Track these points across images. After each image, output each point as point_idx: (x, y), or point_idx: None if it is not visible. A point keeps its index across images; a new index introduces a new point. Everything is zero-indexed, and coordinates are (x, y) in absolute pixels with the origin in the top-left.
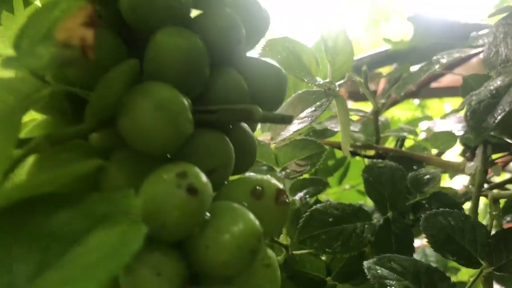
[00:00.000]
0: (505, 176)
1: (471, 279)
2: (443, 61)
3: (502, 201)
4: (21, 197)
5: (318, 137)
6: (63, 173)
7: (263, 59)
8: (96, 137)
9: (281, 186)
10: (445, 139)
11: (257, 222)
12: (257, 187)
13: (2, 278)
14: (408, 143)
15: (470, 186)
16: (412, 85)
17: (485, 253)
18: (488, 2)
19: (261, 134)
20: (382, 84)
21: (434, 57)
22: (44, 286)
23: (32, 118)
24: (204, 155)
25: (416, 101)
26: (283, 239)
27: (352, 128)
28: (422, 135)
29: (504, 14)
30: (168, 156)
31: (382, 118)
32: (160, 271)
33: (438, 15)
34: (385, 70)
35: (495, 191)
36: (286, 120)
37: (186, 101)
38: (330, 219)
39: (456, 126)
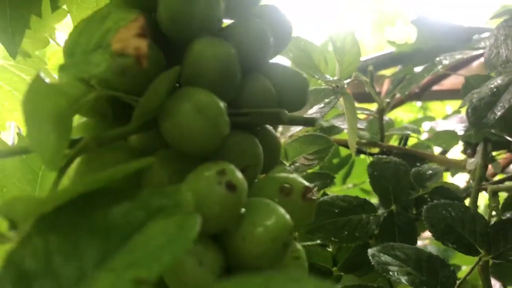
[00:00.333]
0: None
1: (470, 267)
2: (446, 62)
3: (501, 199)
4: (80, 192)
5: (325, 134)
6: (121, 170)
7: (287, 66)
8: (135, 139)
9: (307, 184)
10: (447, 138)
11: (288, 217)
12: (286, 185)
13: (73, 263)
14: (411, 141)
15: (471, 181)
16: (415, 87)
17: (484, 242)
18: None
19: None
20: (385, 85)
21: (437, 58)
22: (112, 269)
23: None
24: (237, 155)
25: (419, 103)
26: None
27: (358, 125)
28: (424, 136)
29: (505, 17)
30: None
31: (386, 117)
32: (202, 261)
33: (441, 19)
34: (387, 72)
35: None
36: (310, 122)
37: (223, 105)
38: (337, 210)
39: (458, 126)
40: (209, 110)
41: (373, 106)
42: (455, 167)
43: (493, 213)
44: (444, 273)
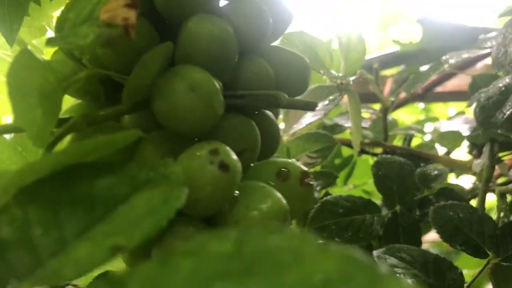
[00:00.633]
0: None
1: (478, 270)
2: (452, 61)
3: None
4: (67, 163)
5: (328, 133)
6: (105, 141)
7: (287, 49)
8: (128, 120)
9: (305, 168)
10: (452, 138)
11: (284, 201)
12: (283, 169)
13: (53, 234)
14: (415, 142)
15: (477, 182)
16: (419, 88)
17: (492, 244)
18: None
19: None
20: (388, 85)
21: (443, 57)
22: (91, 238)
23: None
24: (233, 138)
25: (421, 105)
26: None
27: (362, 124)
28: (427, 138)
29: None
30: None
31: (390, 117)
32: None
33: (446, 18)
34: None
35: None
36: (310, 106)
37: (217, 84)
38: (341, 210)
39: (463, 127)
40: (203, 88)
41: (377, 107)
42: (461, 168)
43: (501, 214)
44: (452, 275)
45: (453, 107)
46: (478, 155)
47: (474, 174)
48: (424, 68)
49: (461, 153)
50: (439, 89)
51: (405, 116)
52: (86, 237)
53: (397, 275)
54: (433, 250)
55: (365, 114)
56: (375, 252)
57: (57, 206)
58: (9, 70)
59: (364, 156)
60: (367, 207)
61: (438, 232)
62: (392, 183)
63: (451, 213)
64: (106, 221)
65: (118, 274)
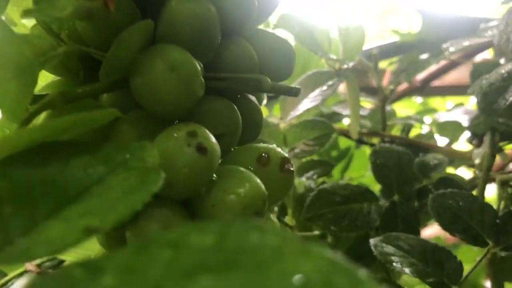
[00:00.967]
0: None
1: (478, 259)
2: (452, 49)
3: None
4: (41, 139)
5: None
6: (81, 118)
7: (273, 32)
8: (107, 98)
9: (286, 154)
10: (452, 129)
11: (262, 186)
12: (263, 154)
13: (25, 212)
14: (414, 133)
15: (477, 172)
16: (417, 80)
17: (492, 233)
18: None
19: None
20: (387, 77)
21: (443, 45)
22: (64, 218)
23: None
24: (212, 121)
25: (419, 99)
26: (289, 220)
27: (360, 112)
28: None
29: None
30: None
31: (388, 108)
32: (168, 226)
33: (446, 9)
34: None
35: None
36: (294, 91)
37: (198, 65)
38: (338, 199)
39: (463, 117)
40: (183, 68)
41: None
42: (461, 158)
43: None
44: (451, 265)
45: (451, 101)
46: (478, 145)
47: (474, 166)
48: (423, 57)
49: (460, 145)
50: (437, 83)
51: (403, 110)
52: (58, 217)
53: (394, 263)
54: None
55: (364, 103)
56: (371, 240)
57: (29, 184)
58: None
59: (361, 149)
60: (364, 196)
61: (437, 220)
62: (390, 172)
63: (450, 201)
64: (80, 201)
65: (94, 259)
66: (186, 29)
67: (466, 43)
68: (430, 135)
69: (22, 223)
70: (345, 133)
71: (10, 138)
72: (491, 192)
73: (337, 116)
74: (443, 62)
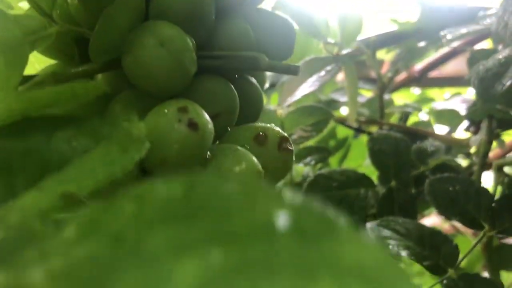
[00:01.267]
0: None
1: (474, 242)
2: (450, 37)
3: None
4: (23, 112)
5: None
6: (63, 90)
7: (273, 12)
8: (102, 80)
9: (284, 133)
10: (450, 117)
11: (258, 163)
12: (261, 133)
13: (2, 181)
14: (412, 121)
15: (474, 158)
16: (415, 70)
17: (488, 217)
18: None
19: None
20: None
21: (441, 33)
22: (42, 187)
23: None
24: (208, 99)
25: (417, 91)
26: None
27: (358, 99)
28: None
29: None
30: None
31: (386, 96)
32: None
33: None
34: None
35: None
36: (292, 70)
37: (190, 41)
38: (334, 184)
39: (461, 106)
40: (173, 43)
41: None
42: (458, 145)
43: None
44: (447, 248)
45: (449, 92)
46: (475, 132)
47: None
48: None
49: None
50: (435, 74)
51: (400, 101)
52: (38, 186)
53: (390, 246)
54: None
55: (362, 91)
56: (368, 224)
57: (9, 155)
58: None
59: (359, 139)
60: (361, 182)
61: (433, 205)
62: (387, 158)
63: (447, 185)
64: (61, 171)
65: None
66: (177, 5)
67: (464, 30)
68: (427, 123)
69: (1, 193)
70: (343, 121)
71: None
72: (487, 181)
73: (335, 104)
74: (441, 52)
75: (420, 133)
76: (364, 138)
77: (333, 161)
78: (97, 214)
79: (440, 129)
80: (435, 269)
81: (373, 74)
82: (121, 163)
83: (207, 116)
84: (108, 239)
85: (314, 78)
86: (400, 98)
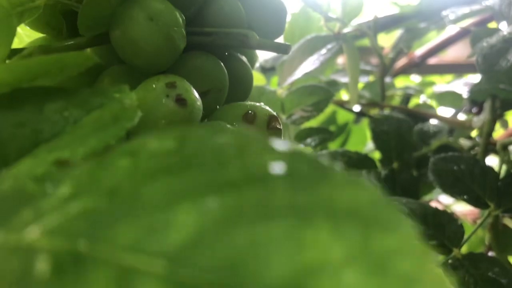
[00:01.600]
0: None
1: (479, 221)
2: (452, 17)
3: None
4: (11, 82)
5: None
6: (51, 60)
7: None
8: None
9: (273, 112)
10: (452, 99)
11: None
12: (249, 112)
13: None
14: (413, 103)
15: (477, 139)
16: (416, 55)
17: (493, 196)
18: None
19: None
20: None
21: (443, 12)
22: (35, 155)
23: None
24: (197, 76)
25: (417, 79)
26: None
27: (359, 79)
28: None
29: None
30: None
31: (387, 79)
32: None
33: None
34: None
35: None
36: (282, 48)
37: (179, 16)
38: None
39: (463, 89)
40: (162, 18)
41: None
42: (460, 127)
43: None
44: (451, 228)
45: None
46: (478, 113)
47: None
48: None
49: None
50: (435, 61)
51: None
52: (31, 154)
53: None
54: None
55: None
56: None
57: (1, 127)
58: None
59: (359, 125)
60: (363, 162)
61: (437, 183)
62: (389, 139)
63: (451, 164)
64: (53, 139)
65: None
66: None
67: (466, 10)
68: (429, 106)
69: None
70: (343, 104)
71: None
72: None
73: (335, 86)
74: (441, 38)
75: (422, 115)
76: (364, 123)
77: (333, 146)
78: (92, 170)
79: (444, 112)
80: (440, 249)
81: (373, 60)
82: (113, 130)
83: (195, 93)
84: (103, 193)
85: (315, 56)
86: (401, 84)
